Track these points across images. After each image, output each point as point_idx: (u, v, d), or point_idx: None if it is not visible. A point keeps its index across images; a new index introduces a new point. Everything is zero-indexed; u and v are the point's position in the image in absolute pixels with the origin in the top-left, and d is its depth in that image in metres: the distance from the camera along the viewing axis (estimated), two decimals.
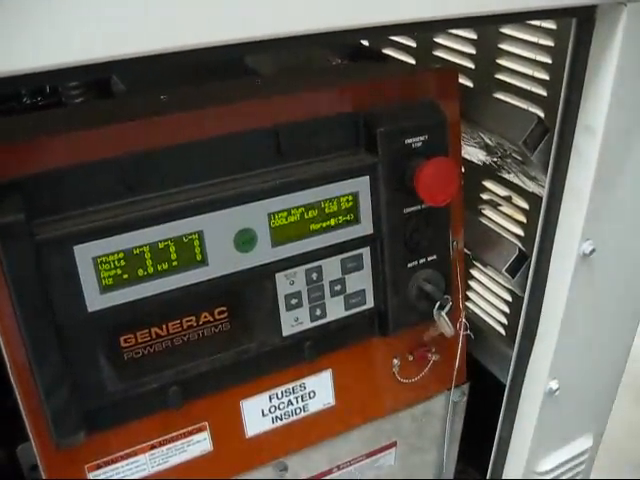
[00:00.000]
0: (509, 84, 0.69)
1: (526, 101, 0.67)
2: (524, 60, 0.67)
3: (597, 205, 0.61)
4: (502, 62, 0.70)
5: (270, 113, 0.55)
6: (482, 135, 0.68)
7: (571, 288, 0.64)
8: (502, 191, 0.76)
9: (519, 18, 0.60)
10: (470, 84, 0.74)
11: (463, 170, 0.79)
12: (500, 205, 0.78)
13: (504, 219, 0.76)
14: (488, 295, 0.82)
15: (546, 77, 0.65)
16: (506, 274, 0.68)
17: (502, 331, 0.81)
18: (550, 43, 0.63)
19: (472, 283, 0.85)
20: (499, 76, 0.70)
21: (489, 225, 0.75)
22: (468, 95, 0.67)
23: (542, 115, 0.64)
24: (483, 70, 0.72)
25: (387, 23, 0.46)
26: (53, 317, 0.49)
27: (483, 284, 0.83)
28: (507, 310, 0.80)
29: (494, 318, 0.82)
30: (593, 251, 0.63)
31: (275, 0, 0.41)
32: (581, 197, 0.61)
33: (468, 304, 0.85)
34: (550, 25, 0.61)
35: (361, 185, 0.58)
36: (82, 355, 0.52)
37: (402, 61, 0.84)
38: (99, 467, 0.56)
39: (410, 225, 0.60)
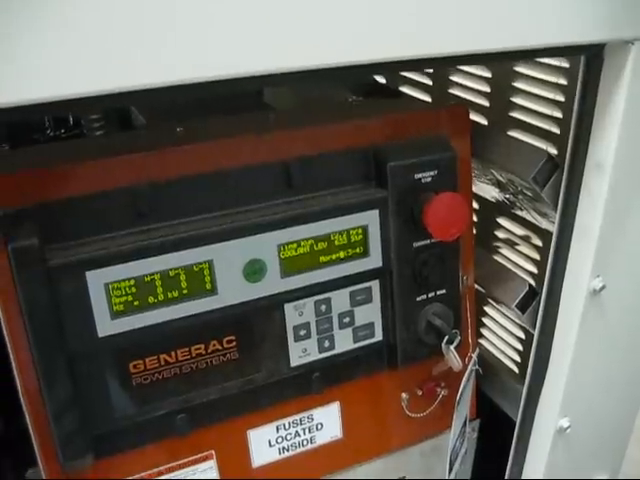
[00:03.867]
0: (522, 121, 0.70)
1: (539, 138, 0.67)
2: (537, 98, 0.67)
3: (607, 242, 0.61)
4: (516, 100, 0.71)
5: (282, 147, 0.56)
6: (494, 172, 0.69)
7: (581, 325, 0.64)
8: (516, 228, 0.76)
9: (528, 55, 0.61)
10: (484, 121, 0.75)
11: (477, 206, 0.80)
12: (514, 242, 0.78)
13: (517, 255, 0.76)
14: (500, 331, 0.82)
15: (559, 115, 0.65)
16: (516, 310, 0.68)
17: (514, 368, 0.80)
18: (563, 82, 0.64)
19: (485, 319, 0.85)
20: (513, 114, 0.71)
21: (501, 261, 0.75)
22: (479, 132, 0.68)
23: (555, 152, 0.65)
24: (497, 108, 0.73)
25: (399, 59, 0.47)
26: (64, 341, 0.50)
27: (496, 320, 0.83)
28: (519, 347, 0.79)
29: (506, 354, 0.82)
30: (603, 288, 0.63)
31: (291, 36, 0.43)
32: (591, 234, 0.61)
33: (481, 340, 0.85)
34: (563, 64, 0.62)
35: (371, 218, 0.58)
36: (91, 380, 0.53)
37: (416, 98, 0.85)
38: None
39: (419, 259, 0.61)
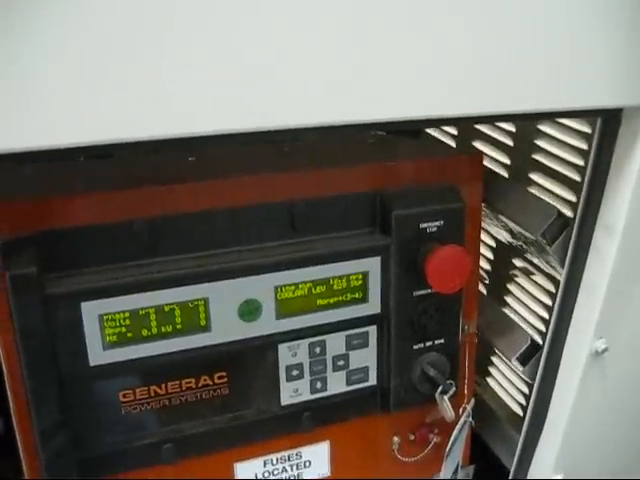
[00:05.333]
0: (540, 177, 0.68)
1: (554, 196, 0.66)
2: (557, 158, 0.66)
3: (613, 304, 0.60)
4: (536, 157, 0.70)
5: (287, 187, 0.56)
6: (505, 220, 0.68)
7: (580, 385, 0.63)
8: (529, 272, 0.75)
9: (546, 117, 0.61)
10: (504, 172, 0.74)
11: (492, 247, 0.79)
12: (525, 286, 0.77)
13: (529, 300, 0.75)
14: (503, 380, 0.81)
15: (577, 178, 0.64)
16: (516, 363, 0.68)
17: (515, 417, 0.79)
18: (584, 146, 0.62)
19: (491, 367, 0.84)
20: (532, 169, 0.70)
21: (511, 305, 0.74)
22: (494, 181, 0.67)
23: (570, 214, 0.63)
24: (518, 161, 0.72)
25: (423, 118, 0.48)
26: (56, 367, 0.51)
27: (499, 369, 0.82)
28: (521, 398, 0.78)
29: (508, 404, 0.81)
30: (606, 350, 0.62)
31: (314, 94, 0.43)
32: (597, 294, 0.60)
33: (485, 386, 0.84)
34: (585, 129, 0.61)
35: (372, 265, 0.58)
36: (81, 406, 0.54)
37: (437, 139, 0.84)
38: None
39: (419, 307, 0.61)
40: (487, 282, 0.82)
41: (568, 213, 0.63)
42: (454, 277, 0.58)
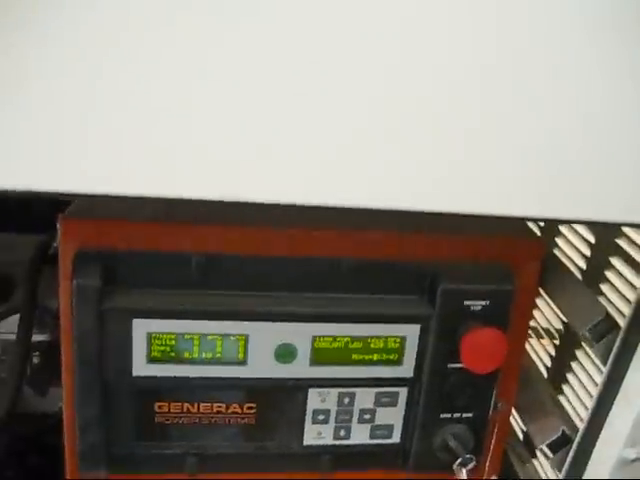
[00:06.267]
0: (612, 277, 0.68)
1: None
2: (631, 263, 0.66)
3: None
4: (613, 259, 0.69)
5: (340, 245, 0.59)
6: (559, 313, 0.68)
7: None
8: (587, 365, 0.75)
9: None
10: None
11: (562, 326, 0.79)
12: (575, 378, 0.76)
13: (572, 391, 0.74)
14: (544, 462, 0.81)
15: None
16: (546, 449, 0.68)
17: None
18: None
19: None
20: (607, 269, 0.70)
21: (547, 395, 0.74)
22: (551, 268, 0.67)
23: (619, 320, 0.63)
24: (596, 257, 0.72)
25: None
26: (102, 371, 0.57)
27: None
28: None
29: None
30: (637, 459, 0.61)
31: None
32: (634, 401, 0.60)
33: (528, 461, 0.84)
34: None
35: (411, 331, 0.60)
36: (120, 408, 0.59)
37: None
38: None
39: (451, 379, 0.62)
40: (551, 357, 0.82)
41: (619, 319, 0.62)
42: (487, 360, 0.59)
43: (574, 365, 0.76)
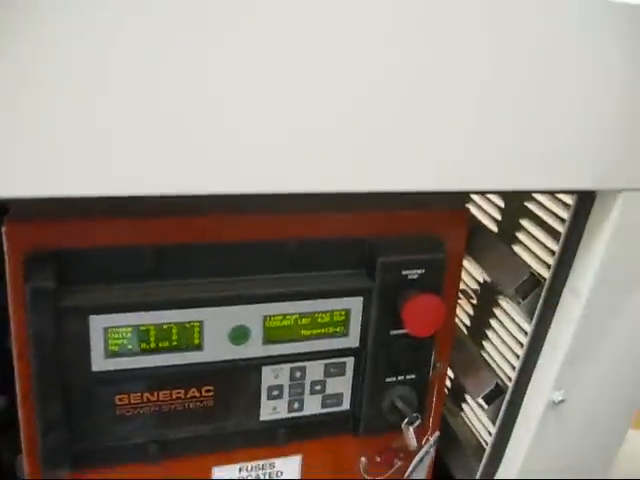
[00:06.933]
0: (522, 239, 0.74)
1: (530, 257, 0.71)
2: (542, 224, 0.71)
3: (573, 359, 0.66)
4: (523, 221, 0.75)
5: (282, 228, 0.62)
6: (484, 272, 0.74)
7: (537, 430, 0.69)
8: (504, 318, 0.80)
9: (526, 194, 0.66)
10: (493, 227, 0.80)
11: (479, 287, 0.85)
12: (498, 334, 0.82)
13: (500, 345, 0.80)
14: (472, 414, 0.87)
15: (554, 245, 0.69)
16: (482, 401, 0.73)
17: (480, 449, 0.85)
18: (564, 215, 0.67)
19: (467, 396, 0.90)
20: (516, 232, 0.75)
21: (477, 351, 0.80)
22: (476, 235, 0.72)
23: (543, 274, 0.69)
24: (507, 221, 0.77)
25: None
26: (61, 370, 0.57)
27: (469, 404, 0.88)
28: (486, 434, 0.84)
29: (474, 437, 0.87)
30: (562, 401, 0.67)
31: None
32: (558, 350, 0.66)
33: (456, 415, 0.90)
34: (568, 200, 0.66)
35: (354, 304, 0.64)
36: (81, 405, 0.60)
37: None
38: None
39: (394, 346, 0.66)
40: (470, 317, 0.88)
41: (544, 273, 0.68)
42: (428, 324, 0.64)
43: (493, 323, 0.82)
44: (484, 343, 0.83)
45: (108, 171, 0.45)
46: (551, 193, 0.66)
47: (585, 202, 0.61)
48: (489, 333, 0.82)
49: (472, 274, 0.86)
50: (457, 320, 0.92)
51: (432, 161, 0.52)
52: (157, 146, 0.45)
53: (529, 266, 0.69)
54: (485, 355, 0.82)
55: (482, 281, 0.84)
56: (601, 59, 0.53)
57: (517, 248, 0.75)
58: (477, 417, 0.84)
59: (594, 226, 0.62)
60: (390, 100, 0.49)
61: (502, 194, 0.80)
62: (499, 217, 0.80)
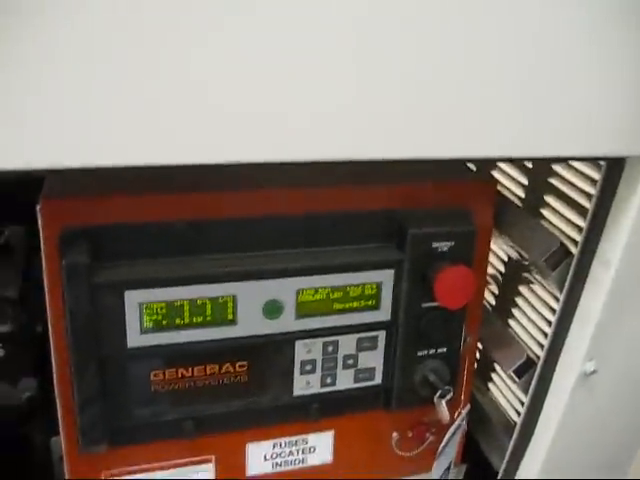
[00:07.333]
0: (549, 213, 0.74)
1: (559, 230, 0.71)
2: (567, 197, 0.71)
3: (604, 330, 0.66)
4: (548, 195, 0.75)
5: (313, 201, 0.62)
6: (512, 245, 0.74)
7: (569, 401, 0.69)
8: (535, 292, 0.80)
9: (558, 161, 0.66)
10: (518, 202, 0.80)
11: (505, 262, 0.84)
12: (527, 306, 0.82)
13: (529, 317, 0.80)
14: (503, 388, 0.87)
15: (581, 218, 0.69)
16: (513, 375, 0.73)
17: (510, 423, 0.85)
18: (591, 190, 0.67)
19: (493, 375, 0.90)
20: (542, 207, 0.75)
21: (512, 323, 0.80)
22: (505, 208, 0.72)
23: (572, 248, 0.69)
24: (531, 196, 0.77)
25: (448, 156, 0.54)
26: (98, 346, 0.58)
27: (501, 377, 0.88)
28: (518, 406, 0.84)
29: (503, 411, 0.87)
30: (594, 372, 0.67)
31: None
32: (590, 321, 0.66)
33: (484, 392, 0.90)
34: (594, 174, 0.66)
35: (385, 276, 0.64)
36: (116, 381, 0.60)
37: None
38: (113, 475, 0.65)
39: (426, 318, 0.66)
40: (495, 296, 0.88)
41: (571, 247, 0.68)
42: (459, 295, 0.64)
43: (519, 301, 0.82)
44: (510, 321, 0.83)
45: (144, 140, 0.45)
46: (581, 160, 0.66)
47: (614, 171, 0.61)
48: (515, 311, 0.83)
49: (496, 253, 0.86)
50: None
51: (461, 127, 0.52)
52: (183, 115, 0.45)
53: (559, 237, 0.69)
54: (512, 328, 0.82)
55: (506, 259, 0.84)
56: (630, 24, 0.53)
57: (543, 222, 0.75)
58: (504, 395, 0.84)
59: (623, 195, 0.61)
60: (416, 65, 0.49)
61: (525, 170, 0.79)
62: (523, 195, 0.80)
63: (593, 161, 0.64)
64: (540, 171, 0.76)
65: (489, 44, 0.50)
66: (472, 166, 0.74)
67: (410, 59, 0.49)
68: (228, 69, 0.45)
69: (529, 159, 0.62)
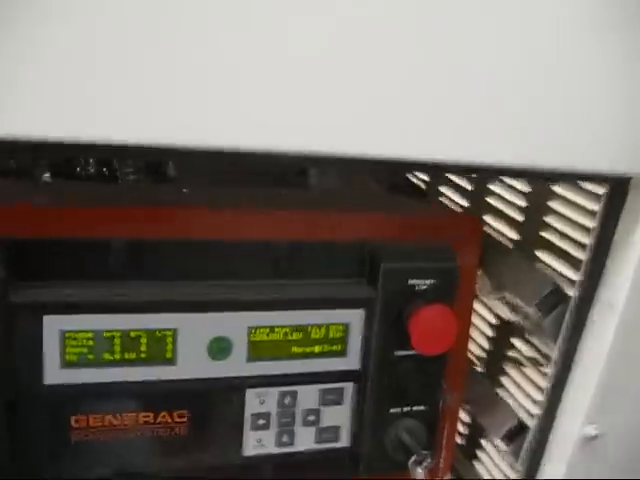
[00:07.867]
0: (543, 253, 0.67)
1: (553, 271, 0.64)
2: (562, 234, 0.64)
3: (607, 388, 0.57)
4: (548, 219, 0.68)
5: (272, 226, 0.55)
6: (505, 293, 0.66)
7: (567, 472, 0.60)
8: (527, 351, 0.72)
9: (555, 178, 0.60)
10: (514, 235, 0.73)
11: (495, 323, 0.76)
12: (522, 364, 0.74)
13: (521, 380, 0.71)
14: (489, 463, 0.77)
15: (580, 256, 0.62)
16: (501, 442, 0.64)
17: None
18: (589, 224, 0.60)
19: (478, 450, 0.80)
20: (536, 247, 0.68)
21: (498, 390, 0.71)
22: (492, 249, 0.65)
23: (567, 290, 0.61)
24: (529, 224, 0.70)
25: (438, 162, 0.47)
26: (7, 381, 0.49)
27: (486, 451, 0.78)
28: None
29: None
30: (596, 437, 0.58)
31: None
32: (590, 376, 0.57)
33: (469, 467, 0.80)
34: (593, 207, 0.59)
35: (354, 317, 0.56)
36: (28, 426, 0.51)
37: (440, 202, 0.83)
38: None
39: (400, 368, 0.58)
40: (484, 360, 0.79)
41: (567, 289, 0.60)
42: (439, 339, 0.55)
43: (510, 353, 0.74)
44: (501, 380, 0.74)
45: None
46: (582, 179, 0.59)
47: (616, 196, 0.54)
48: (507, 369, 0.74)
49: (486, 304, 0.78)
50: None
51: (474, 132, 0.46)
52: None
53: (553, 278, 0.61)
54: (502, 392, 0.73)
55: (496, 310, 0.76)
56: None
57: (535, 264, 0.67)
58: (496, 464, 0.74)
59: (628, 224, 0.54)
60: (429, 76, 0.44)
61: (524, 195, 0.73)
62: (515, 237, 0.73)
63: (595, 181, 0.57)
64: (534, 204, 0.69)
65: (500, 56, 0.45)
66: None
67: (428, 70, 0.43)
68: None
69: (525, 175, 0.56)
